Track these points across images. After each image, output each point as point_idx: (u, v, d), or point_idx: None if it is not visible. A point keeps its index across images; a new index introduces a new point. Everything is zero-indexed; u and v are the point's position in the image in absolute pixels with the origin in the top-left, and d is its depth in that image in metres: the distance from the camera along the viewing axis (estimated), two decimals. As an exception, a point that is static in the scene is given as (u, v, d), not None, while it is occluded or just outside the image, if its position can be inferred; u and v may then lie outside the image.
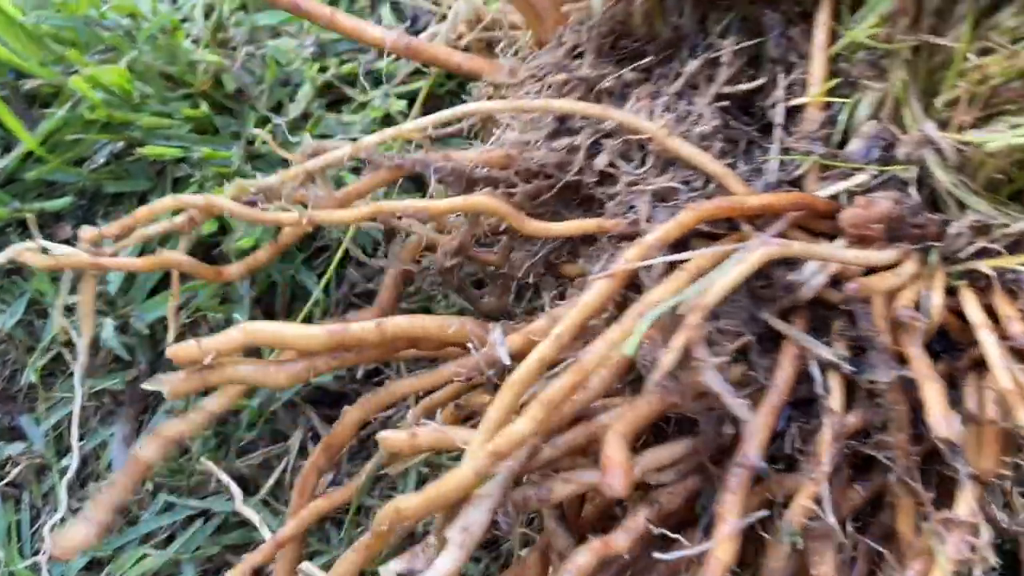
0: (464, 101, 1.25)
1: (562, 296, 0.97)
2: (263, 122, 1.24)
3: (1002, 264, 0.78)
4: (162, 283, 1.22)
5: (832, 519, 0.76)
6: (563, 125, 0.89)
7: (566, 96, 0.90)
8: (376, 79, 1.30)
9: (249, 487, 1.13)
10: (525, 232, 0.85)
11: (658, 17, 0.90)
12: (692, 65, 0.87)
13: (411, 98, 1.26)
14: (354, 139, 1.18)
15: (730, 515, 0.75)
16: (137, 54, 1.20)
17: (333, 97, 1.31)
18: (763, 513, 0.78)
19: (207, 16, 1.31)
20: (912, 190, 0.81)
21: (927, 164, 0.80)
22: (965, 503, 0.76)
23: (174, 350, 0.81)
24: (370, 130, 1.21)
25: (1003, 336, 0.77)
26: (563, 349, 0.76)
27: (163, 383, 0.83)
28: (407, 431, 0.79)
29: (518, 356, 0.83)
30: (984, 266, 0.79)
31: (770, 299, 0.82)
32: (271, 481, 1.13)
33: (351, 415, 0.88)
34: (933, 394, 0.74)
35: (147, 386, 0.83)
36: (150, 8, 1.26)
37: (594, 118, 0.86)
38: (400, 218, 0.88)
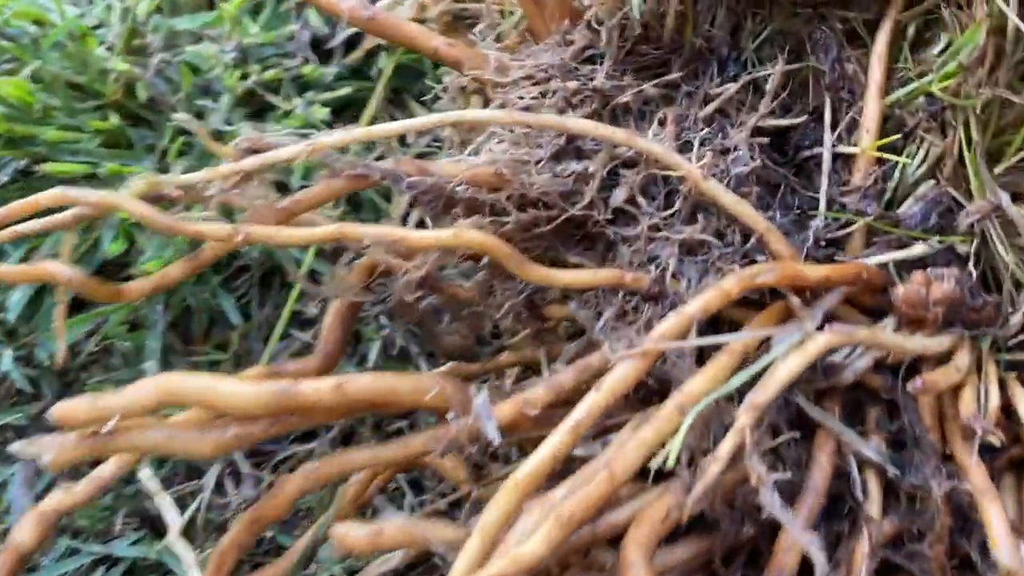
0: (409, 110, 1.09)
1: (538, 337, 0.82)
2: (180, 134, 1.11)
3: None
4: (71, 309, 1.04)
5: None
6: (571, 145, 0.73)
7: (575, 109, 0.74)
8: (304, 85, 1.16)
9: (160, 528, 0.95)
10: (528, 280, 0.69)
11: (689, 23, 0.75)
12: (730, 88, 0.73)
13: (337, 107, 1.14)
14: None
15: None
16: (42, 63, 1.11)
17: (257, 106, 1.16)
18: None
19: (123, 20, 1.16)
20: (971, 266, 0.71)
21: (990, 237, 0.70)
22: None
23: (60, 412, 0.61)
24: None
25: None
26: (578, 440, 0.62)
27: (44, 448, 0.63)
28: (370, 528, 0.63)
29: (507, 429, 0.68)
30: (1039, 357, 0.70)
31: (805, 380, 0.70)
32: (183, 521, 0.93)
33: (290, 486, 0.70)
34: (996, 515, 0.64)
35: (19, 453, 0.63)
36: (59, 14, 1.14)
37: (615, 143, 0.70)
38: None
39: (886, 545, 0.70)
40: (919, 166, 0.72)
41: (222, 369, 1.02)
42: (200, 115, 1.13)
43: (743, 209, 0.69)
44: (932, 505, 0.68)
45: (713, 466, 0.60)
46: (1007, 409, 0.70)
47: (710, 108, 0.73)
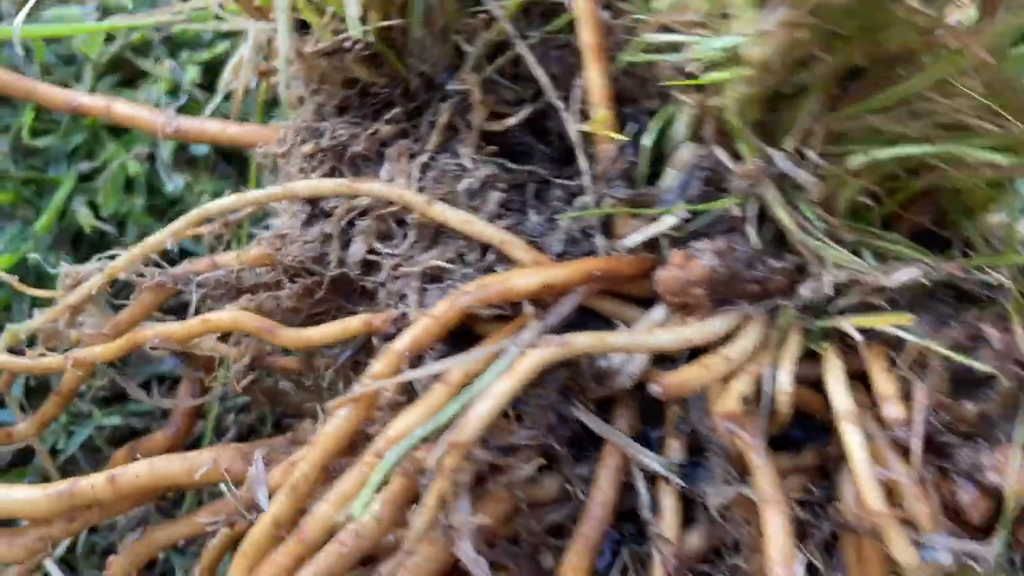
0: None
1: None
2: (40, 112, 1.03)
3: (869, 323, 0.58)
4: None
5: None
6: (316, 209, 0.71)
7: (316, 170, 0.72)
8: (176, 46, 1.08)
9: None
10: (281, 344, 0.68)
11: (396, 63, 0.70)
12: (443, 110, 0.68)
13: (213, 65, 1.05)
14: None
15: None
16: None
17: (128, 73, 1.09)
18: None
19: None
20: (751, 232, 0.61)
21: (766, 199, 0.60)
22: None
23: None
24: (160, 104, 1.03)
25: (878, 419, 0.58)
26: (303, 499, 0.60)
27: None
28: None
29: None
30: (849, 325, 0.59)
31: (581, 391, 0.63)
32: (62, 549, 0.92)
33: (116, 566, 0.73)
34: (777, 529, 0.55)
35: None
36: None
37: (343, 195, 0.68)
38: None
39: (701, 561, 0.62)
40: (672, 129, 0.63)
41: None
42: (67, 87, 1.05)
43: (473, 226, 0.64)
44: (740, 516, 0.60)
45: (419, 520, 0.56)
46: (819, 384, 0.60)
47: (435, 135, 0.68)
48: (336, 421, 0.60)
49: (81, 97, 0.81)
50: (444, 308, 0.60)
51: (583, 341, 0.57)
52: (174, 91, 1.05)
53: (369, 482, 0.55)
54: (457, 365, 0.59)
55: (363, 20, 0.64)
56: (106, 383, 0.83)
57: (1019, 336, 0.57)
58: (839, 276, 0.59)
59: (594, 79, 0.63)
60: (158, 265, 0.75)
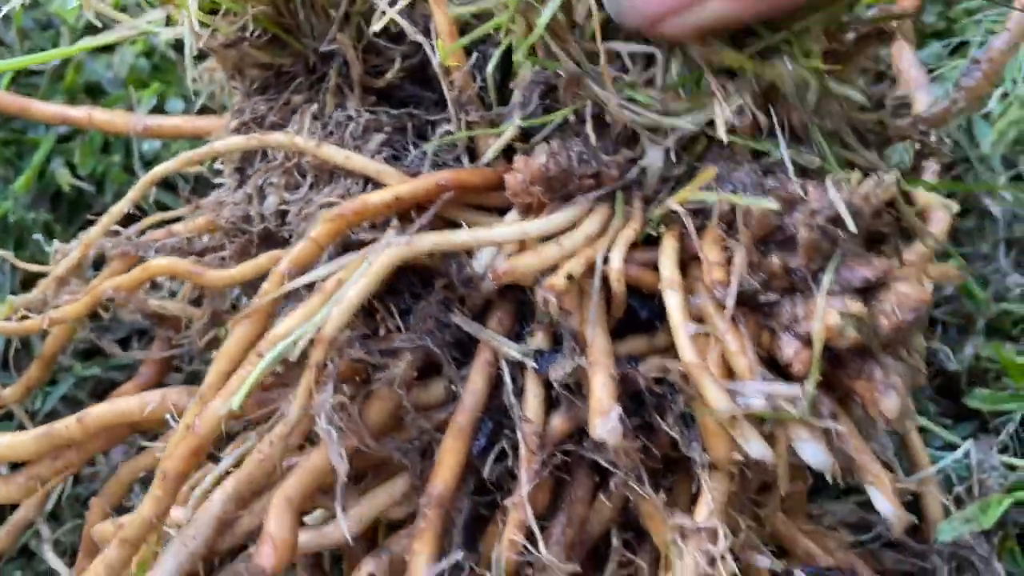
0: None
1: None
2: (23, 75, 1.09)
3: (684, 195, 0.62)
4: None
5: (544, 548, 0.63)
6: (243, 175, 0.81)
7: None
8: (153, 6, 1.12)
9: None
10: (207, 285, 0.77)
11: (294, 42, 0.79)
12: (331, 75, 0.77)
13: None
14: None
15: (419, 564, 0.64)
16: None
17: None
18: (457, 555, 0.66)
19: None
20: (589, 131, 0.66)
21: (595, 98, 0.65)
22: (705, 505, 0.61)
23: None
24: (136, 66, 1.09)
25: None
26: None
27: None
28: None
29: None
30: (673, 203, 0.63)
31: (460, 300, 0.70)
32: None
33: (96, 507, 0.83)
34: (598, 385, 0.59)
35: None
36: None
37: (253, 149, 0.77)
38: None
39: (566, 441, 0.66)
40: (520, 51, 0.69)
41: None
42: (42, 50, 1.10)
43: (352, 161, 0.72)
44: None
45: (292, 408, 0.63)
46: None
47: (328, 95, 0.77)
48: (234, 335, 0.68)
49: (68, 110, 0.93)
50: (316, 230, 0.68)
51: (428, 239, 0.64)
52: (149, 53, 1.11)
53: (246, 379, 0.63)
54: (330, 273, 0.66)
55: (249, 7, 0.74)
56: (86, 338, 0.93)
57: (830, 191, 0.59)
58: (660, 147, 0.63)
59: (440, 19, 0.70)
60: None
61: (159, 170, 0.82)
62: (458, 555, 0.65)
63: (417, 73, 0.77)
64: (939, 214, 0.83)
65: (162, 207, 0.98)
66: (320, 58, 0.79)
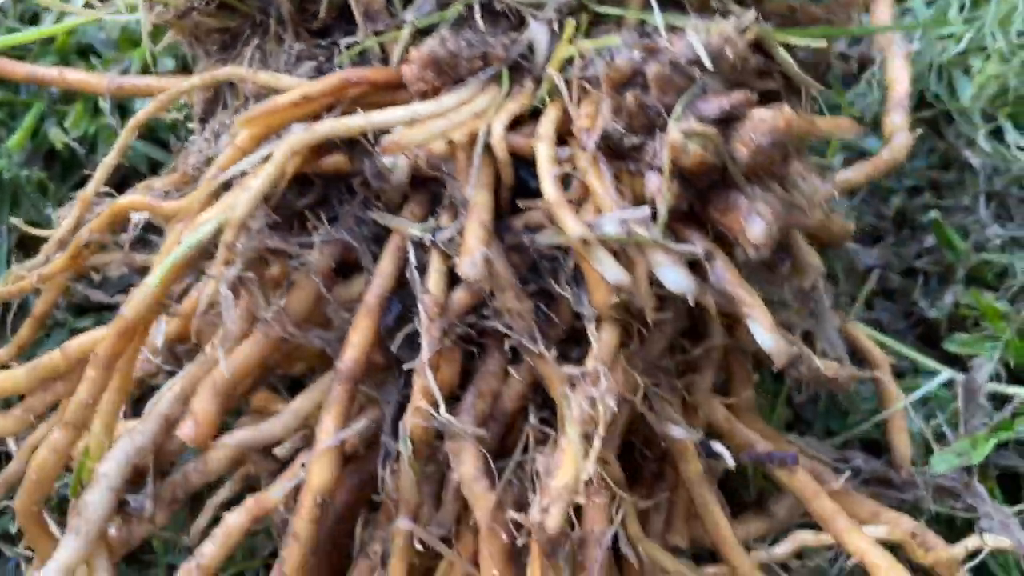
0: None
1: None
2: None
3: (560, 57, 0.65)
4: None
5: (446, 414, 0.64)
6: (205, 124, 0.88)
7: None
8: None
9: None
10: (165, 216, 0.83)
11: (239, 5, 0.86)
12: (271, 22, 0.83)
13: None
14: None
15: (324, 433, 0.67)
16: None
17: None
18: (362, 423, 0.68)
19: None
20: (477, 18, 0.70)
21: (481, -14, 0.70)
22: (592, 355, 0.62)
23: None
24: (128, 27, 1.14)
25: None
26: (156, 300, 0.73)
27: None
28: None
29: (176, 339, 0.81)
30: (551, 70, 0.66)
31: (376, 195, 0.73)
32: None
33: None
34: (469, 232, 0.62)
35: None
36: None
37: (207, 86, 0.84)
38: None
39: (469, 313, 0.68)
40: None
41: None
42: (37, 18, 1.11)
43: (279, 81, 0.77)
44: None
45: (204, 290, 0.68)
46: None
47: (270, 40, 0.84)
48: (171, 235, 0.74)
49: (38, 69, 1.01)
50: (238, 136, 0.73)
51: (325, 124, 0.68)
52: (134, 7, 1.10)
53: (163, 263, 0.68)
54: (247, 165, 0.71)
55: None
56: (81, 295, 1.01)
57: (689, 35, 0.61)
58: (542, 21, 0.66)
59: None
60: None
61: (139, 117, 0.90)
62: (360, 424, 0.67)
63: (346, 12, 0.83)
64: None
65: (158, 167, 1.06)
66: (263, 14, 0.86)
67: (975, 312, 0.98)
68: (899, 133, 0.88)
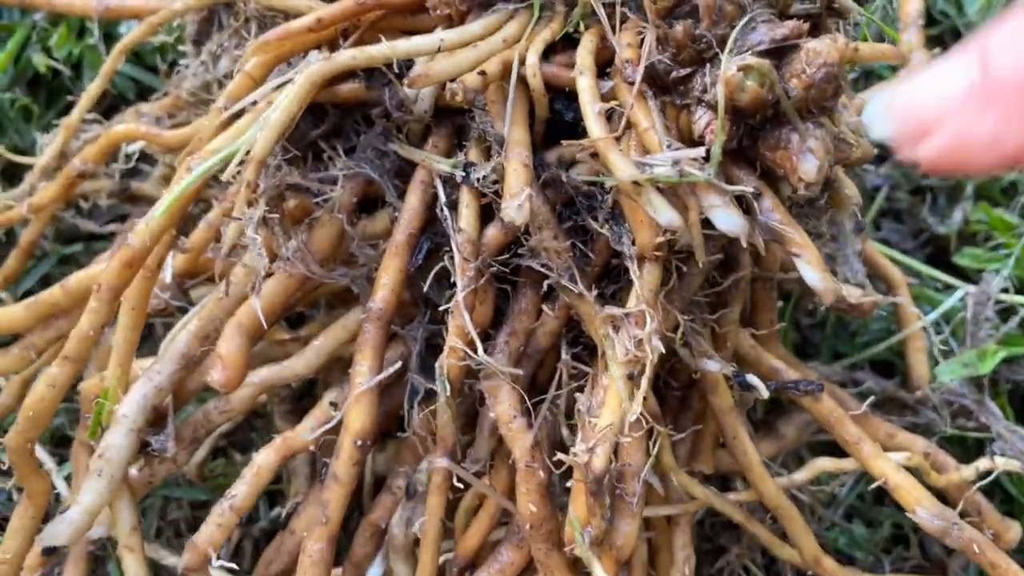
0: None
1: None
2: None
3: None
4: None
5: (483, 353, 0.63)
6: (200, 47, 0.84)
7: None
8: None
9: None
10: (165, 146, 0.80)
11: None
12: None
13: None
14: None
15: (360, 376, 0.65)
16: None
17: None
18: (396, 366, 0.67)
19: None
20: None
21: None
22: (634, 295, 0.61)
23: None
24: None
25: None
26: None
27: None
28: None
29: (185, 275, 0.79)
30: (588, -4, 0.63)
31: (397, 126, 0.70)
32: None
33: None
34: (511, 172, 0.60)
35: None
36: None
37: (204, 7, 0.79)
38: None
39: (503, 251, 0.66)
40: None
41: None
42: None
43: (288, 1, 0.73)
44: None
45: (228, 234, 0.65)
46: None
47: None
48: (181, 168, 0.70)
49: None
50: (249, 61, 0.69)
51: (347, 53, 0.65)
52: None
53: (171, 192, 0.65)
54: (259, 95, 0.68)
55: None
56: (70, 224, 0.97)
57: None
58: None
59: None
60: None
61: (126, 41, 0.85)
62: (396, 365, 0.66)
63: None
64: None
65: (146, 93, 1.01)
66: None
67: (984, 227, 0.99)
68: (916, 52, 0.87)
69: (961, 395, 0.86)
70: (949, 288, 0.96)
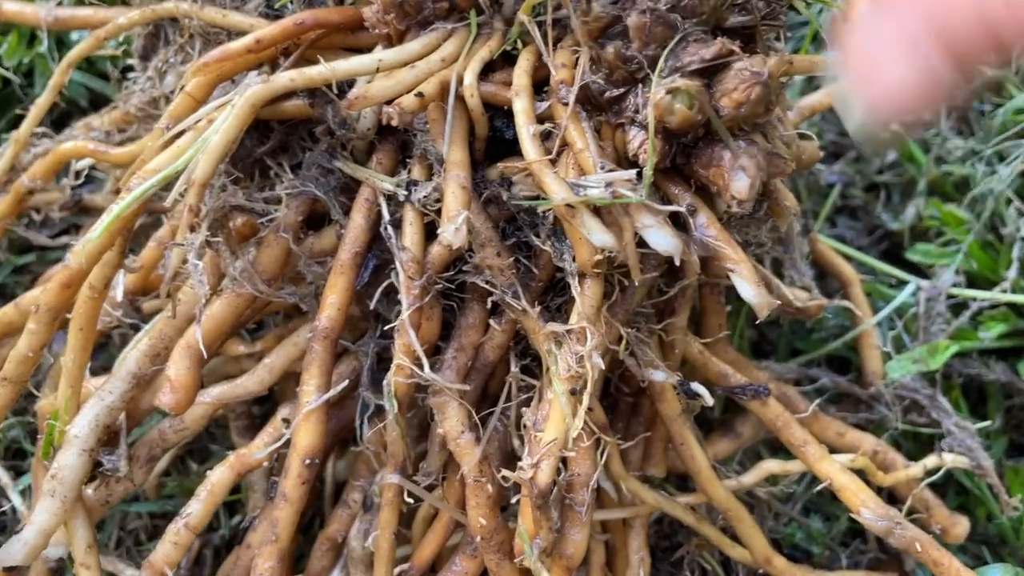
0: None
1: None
2: None
3: (531, 3, 0.62)
4: None
5: (429, 371, 0.64)
6: (147, 62, 0.83)
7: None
8: None
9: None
10: (113, 163, 0.79)
11: None
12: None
13: None
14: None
15: (307, 396, 0.66)
16: None
17: None
18: (344, 385, 0.67)
19: None
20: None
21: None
22: (577, 311, 0.62)
23: None
24: None
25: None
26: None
27: None
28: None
29: (137, 292, 0.79)
30: (521, 15, 0.63)
31: (342, 143, 0.71)
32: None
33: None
34: (449, 194, 0.60)
35: None
36: None
37: (149, 22, 0.79)
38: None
39: (449, 268, 0.67)
40: None
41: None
42: None
43: (228, 18, 0.73)
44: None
45: (171, 256, 0.65)
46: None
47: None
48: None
49: None
50: (190, 83, 0.69)
51: (286, 75, 0.65)
52: None
53: (110, 213, 0.65)
54: (201, 115, 0.68)
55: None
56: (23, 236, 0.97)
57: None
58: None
59: None
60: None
61: (73, 54, 0.84)
62: (344, 383, 0.67)
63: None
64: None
65: (98, 100, 1.00)
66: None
67: (936, 222, 1.00)
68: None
69: (914, 390, 0.88)
70: (903, 284, 0.97)
